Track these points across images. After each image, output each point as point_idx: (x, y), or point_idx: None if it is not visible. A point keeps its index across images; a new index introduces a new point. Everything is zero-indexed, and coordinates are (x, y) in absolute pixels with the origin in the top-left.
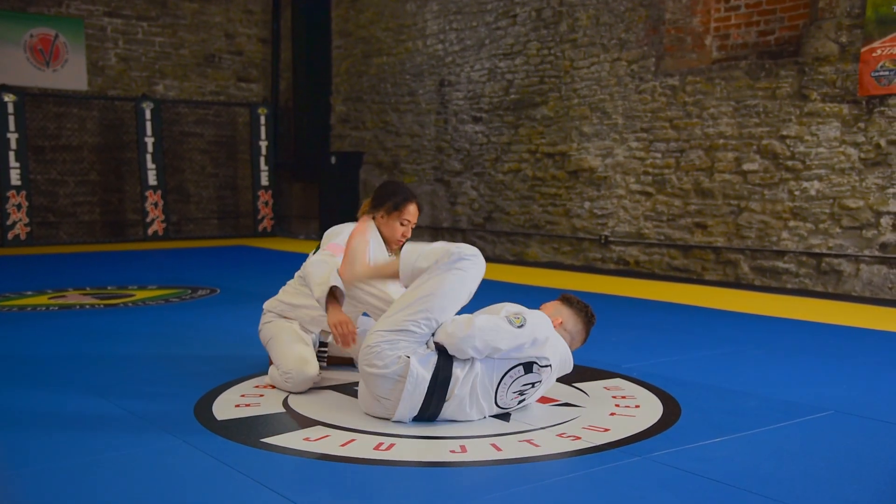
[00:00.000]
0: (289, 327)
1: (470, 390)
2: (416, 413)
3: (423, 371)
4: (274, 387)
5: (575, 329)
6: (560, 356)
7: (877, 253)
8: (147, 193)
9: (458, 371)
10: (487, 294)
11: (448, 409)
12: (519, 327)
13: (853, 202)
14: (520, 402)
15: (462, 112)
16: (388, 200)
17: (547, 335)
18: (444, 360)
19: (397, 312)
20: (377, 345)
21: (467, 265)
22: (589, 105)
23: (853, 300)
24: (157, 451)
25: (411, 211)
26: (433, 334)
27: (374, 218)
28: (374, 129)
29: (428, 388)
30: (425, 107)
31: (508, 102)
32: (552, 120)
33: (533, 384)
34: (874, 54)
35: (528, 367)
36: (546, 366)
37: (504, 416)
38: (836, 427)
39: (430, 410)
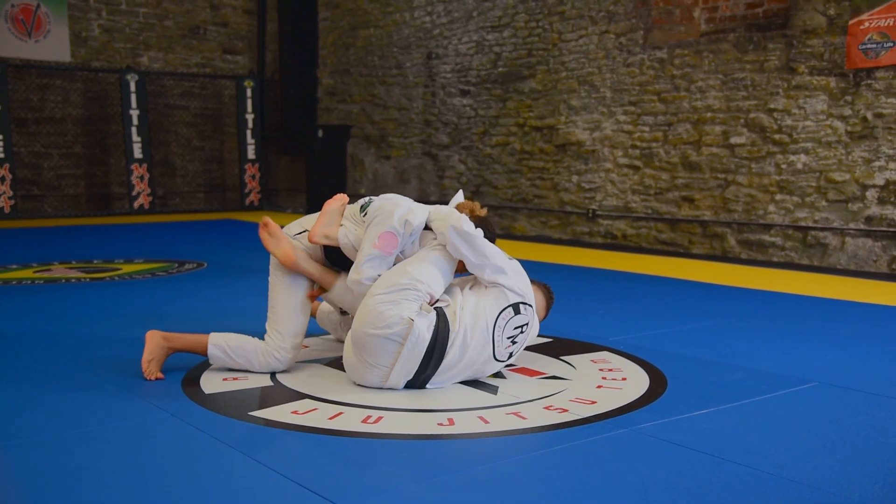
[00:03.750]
0: (303, 293)
1: (465, 337)
2: (410, 377)
3: (424, 333)
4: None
5: (536, 298)
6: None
7: (862, 226)
8: (132, 167)
9: (454, 327)
10: None
11: (448, 359)
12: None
13: (839, 175)
14: (510, 354)
15: (450, 85)
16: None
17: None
18: (443, 321)
19: (392, 277)
20: (377, 306)
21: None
22: (577, 78)
23: (838, 273)
24: (145, 424)
25: None
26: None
27: None
28: (362, 103)
29: (427, 349)
30: (413, 80)
31: (496, 75)
32: (540, 93)
33: (521, 329)
34: (862, 27)
35: (516, 308)
36: (529, 304)
37: (491, 389)
38: (821, 398)
39: (426, 373)
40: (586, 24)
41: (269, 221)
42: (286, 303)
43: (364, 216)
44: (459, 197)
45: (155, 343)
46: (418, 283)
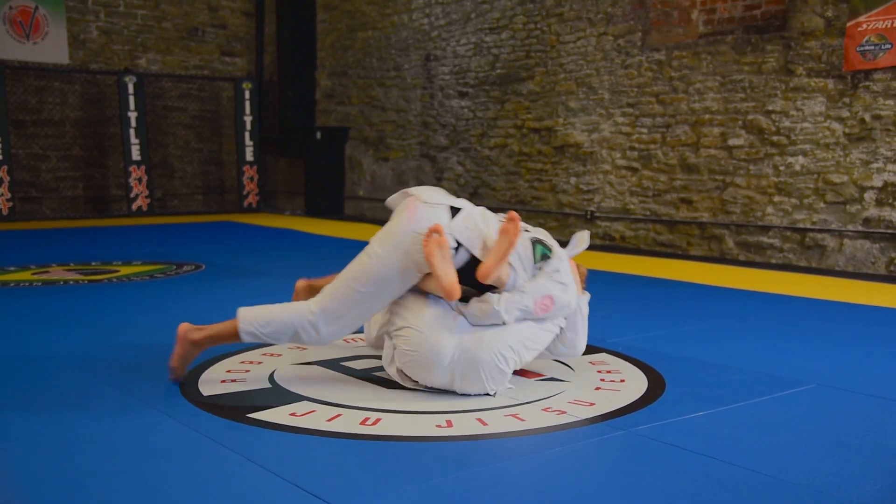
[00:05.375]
0: (399, 283)
1: None
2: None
3: None
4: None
5: None
6: None
7: (860, 228)
8: (131, 168)
9: None
10: None
11: None
12: None
13: (837, 177)
14: None
15: (448, 87)
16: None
17: None
18: None
19: (531, 338)
20: (506, 364)
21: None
22: (575, 80)
23: (836, 275)
24: (143, 426)
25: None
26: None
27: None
28: (360, 105)
29: None
30: (411, 82)
31: (494, 77)
32: (538, 95)
33: None
34: (860, 28)
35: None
36: None
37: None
38: (819, 400)
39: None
40: (584, 26)
41: (440, 229)
42: (368, 303)
43: (539, 267)
44: (585, 241)
45: (185, 348)
46: (528, 356)
